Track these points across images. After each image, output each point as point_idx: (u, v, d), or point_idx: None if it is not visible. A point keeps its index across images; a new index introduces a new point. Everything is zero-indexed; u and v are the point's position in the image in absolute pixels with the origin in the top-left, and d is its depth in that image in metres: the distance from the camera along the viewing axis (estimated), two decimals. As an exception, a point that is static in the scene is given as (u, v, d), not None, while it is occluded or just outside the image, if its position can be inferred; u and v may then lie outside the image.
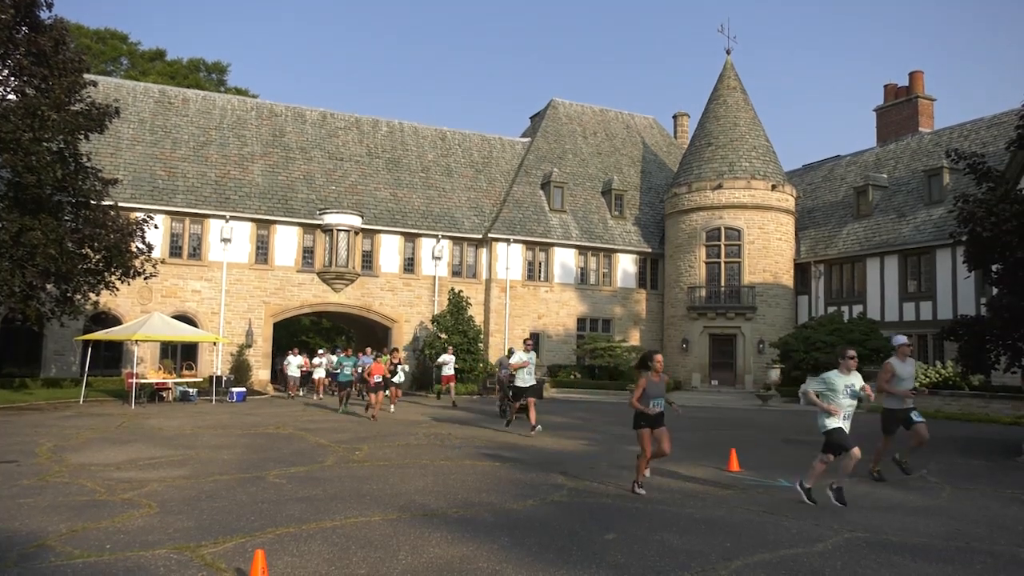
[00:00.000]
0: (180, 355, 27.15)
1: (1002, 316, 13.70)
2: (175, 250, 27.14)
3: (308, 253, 29.04)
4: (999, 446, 14.22)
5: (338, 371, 24.10)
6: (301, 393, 25.34)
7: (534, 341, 16.65)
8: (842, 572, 5.72)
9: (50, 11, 19.15)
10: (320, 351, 26.40)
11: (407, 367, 25.06)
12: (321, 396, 24.35)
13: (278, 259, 28.56)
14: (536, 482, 9.35)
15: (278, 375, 30.69)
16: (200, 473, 9.58)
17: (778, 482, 9.67)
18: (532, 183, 33.78)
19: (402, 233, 30.48)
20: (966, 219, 13.76)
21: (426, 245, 30.90)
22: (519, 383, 14.57)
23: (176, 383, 22.39)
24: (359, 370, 20.51)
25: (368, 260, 29.95)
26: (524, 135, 39.10)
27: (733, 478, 10.02)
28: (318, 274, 28.95)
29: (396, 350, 20.79)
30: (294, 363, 25.38)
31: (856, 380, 8.17)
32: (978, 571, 5.87)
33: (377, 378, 17.37)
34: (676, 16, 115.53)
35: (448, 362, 22.19)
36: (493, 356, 29.99)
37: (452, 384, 22.42)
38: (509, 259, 31.34)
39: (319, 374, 24.73)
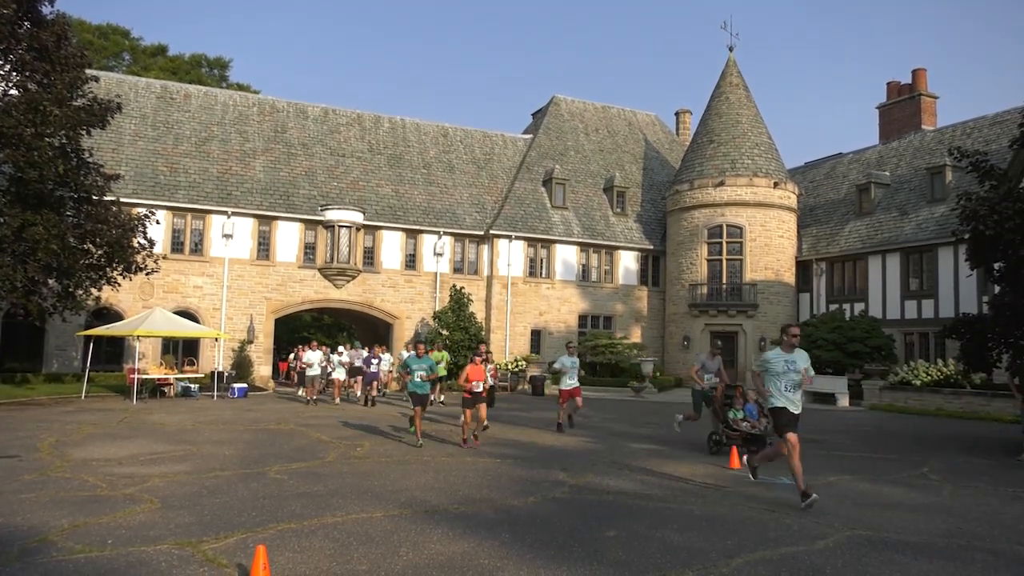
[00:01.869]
0: (181, 351, 27.17)
1: (1004, 315, 13.70)
2: (177, 246, 27.14)
3: (310, 249, 29.03)
4: (1000, 444, 14.22)
5: (368, 368, 20.69)
6: (317, 395, 21.04)
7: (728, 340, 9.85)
8: (843, 570, 5.72)
9: (52, 6, 19.14)
10: (341, 348, 22.68)
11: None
12: (338, 401, 21.02)
13: (280, 255, 28.56)
14: (537, 479, 9.36)
15: (288, 373, 29.05)
16: (201, 469, 9.59)
17: (779, 480, 9.67)
18: (534, 180, 33.75)
19: (404, 229, 30.47)
20: (968, 217, 13.76)
21: (428, 241, 30.90)
22: (783, 403, 8.11)
23: (177, 379, 22.40)
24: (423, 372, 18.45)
25: (370, 256, 29.95)
26: (526, 132, 39.07)
27: (734, 476, 10.02)
28: (320, 270, 28.96)
29: (484, 346, 15.89)
30: (315, 359, 20.94)
31: None
32: (979, 569, 5.87)
33: (477, 386, 12.36)
34: (678, 13, 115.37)
35: (570, 368, 14.46)
36: (494, 354, 29.94)
37: (578, 399, 14.44)
38: (511, 256, 31.33)
39: (339, 374, 21.34)
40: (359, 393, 21.67)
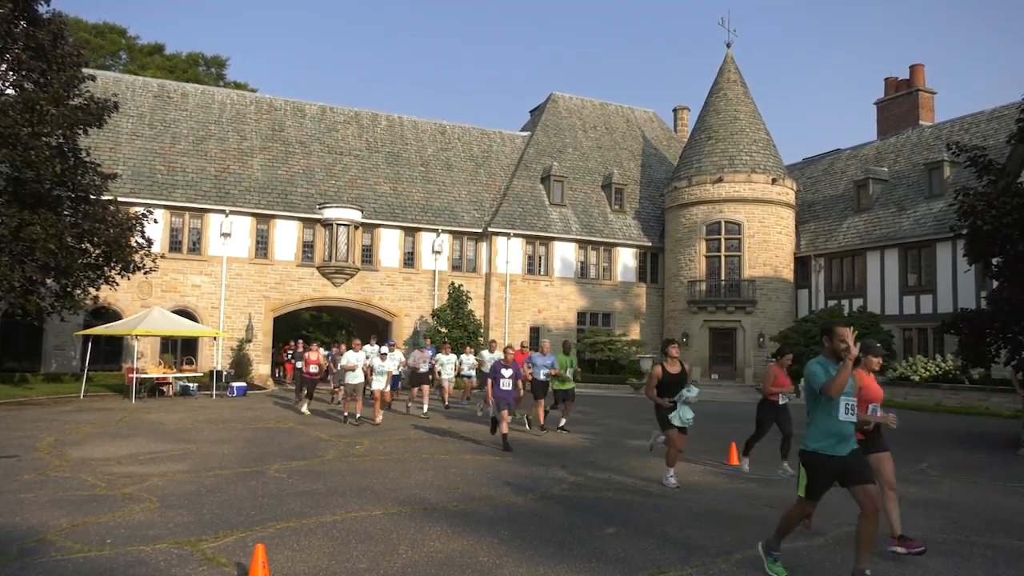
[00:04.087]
0: (180, 350, 27.14)
1: (1002, 309, 13.71)
2: (175, 245, 27.10)
3: (308, 247, 29.00)
4: (999, 440, 14.23)
5: (497, 381, 12.38)
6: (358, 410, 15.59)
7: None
8: (842, 566, 5.72)
9: (48, 5, 19.10)
10: (384, 348, 16.65)
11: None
12: (378, 421, 15.27)
13: (278, 253, 28.52)
14: (536, 476, 9.36)
15: (291, 373, 23.60)
16: (200, 467, 9.58)
17: (778, 475, 9.68)
18: (532, 177, 33.73)
19: (402, 227, 30.44)
20: (967, 212, 13.78)
21: (426, 239, 30.87)
22: None
23: (176, 378, 22.38)
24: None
25: (368, 254, 29.93)
26: (524, 129, 39.03)
27: (733, 471, 10.03)
28: (318, 268, 28.93)
29: (674, 344, 9.31)
30: (359, 362, 15.66)
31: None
32: (978, 564, 5.88)
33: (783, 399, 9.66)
34: (676, 10, 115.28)
35: None
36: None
37: None
38: (509, 253, 31.31)
39: (378, 384, 15.62)
40: (424, 407, 16.96)
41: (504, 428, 12.02)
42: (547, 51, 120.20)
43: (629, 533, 6.56)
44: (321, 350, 18.98)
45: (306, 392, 17.42)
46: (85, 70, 19.92)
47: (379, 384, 15.61)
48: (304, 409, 17.18)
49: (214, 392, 21.82)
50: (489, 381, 12.54)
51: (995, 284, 15.72)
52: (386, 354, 15.95)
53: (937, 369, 22.05)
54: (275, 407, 18.75)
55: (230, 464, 9.88)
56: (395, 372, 17.39)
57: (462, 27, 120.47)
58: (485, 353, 19.03)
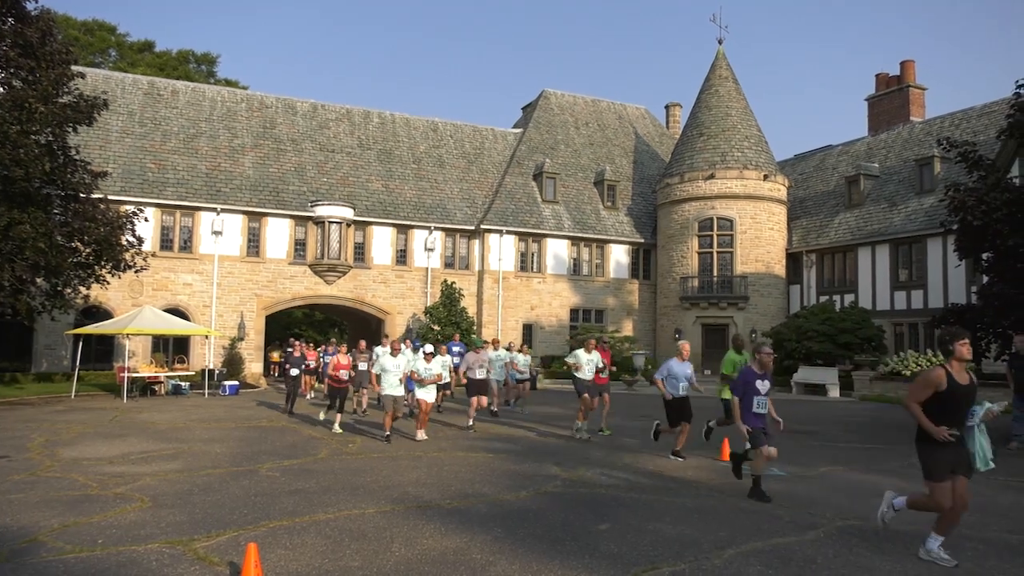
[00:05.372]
0: (172, 348, 27.01)
1: (993, 304, 13.79)
2: (166, 243, 26.97)
3: (300, 245, 28.91)
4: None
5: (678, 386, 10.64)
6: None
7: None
8: (834, 560, 5.75)
9: (36, 2, 18.95)
10: (426, 347, 13.40)
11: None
12: (419, 439, 12.41)
13: (270, 251, 28.42)
14: (530, 473, 9.36)
15: (282, 372, 22.19)
16: (193, 467, 9.55)
17: (770, 471, 9.70)
18: (524, 174, 33.71)
19: (394, 225, 30.38)
20: (957, 208, 13.85)
21: (418, 237, 30.82)
22: None
23: (168, 377, 22.29)
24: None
25: (360, 252, 29.87)
26: (516, 126, 39.00)
27: (726, 468, 10.04)
28: (310, 266, 28.85)
29: (965, 340, 6.03)
30: (398, 367, 12.50)
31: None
32: (969, 557, 5.91)
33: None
34: (668, 6, 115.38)
35: None
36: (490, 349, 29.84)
37: None
38: (502, 250, 31.30)
39: (424, 394, 12.75)
40: (470, 420, 13.93)
41: (760, 466, 8.07)
42: (539, 48, 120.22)
43: (623, 529, 6.57)
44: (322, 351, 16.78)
45: (335, 404, 13.99)
46: (74, 67, 19.75)
47: (425, 394, 12.65)
48: (335, 427, 13.46)
49: (206, 391, 21.74)
50: (736, 401, 8.11)
51: (985, 279, 15.80)
52: (431, 354, 12.85)
53: (928, 364, 22.15)
54: (268, 406, 18.69)
55: (222, 463, 9.84)
56: (445, 378, 14.46)
57: (454, 24, 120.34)
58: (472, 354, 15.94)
